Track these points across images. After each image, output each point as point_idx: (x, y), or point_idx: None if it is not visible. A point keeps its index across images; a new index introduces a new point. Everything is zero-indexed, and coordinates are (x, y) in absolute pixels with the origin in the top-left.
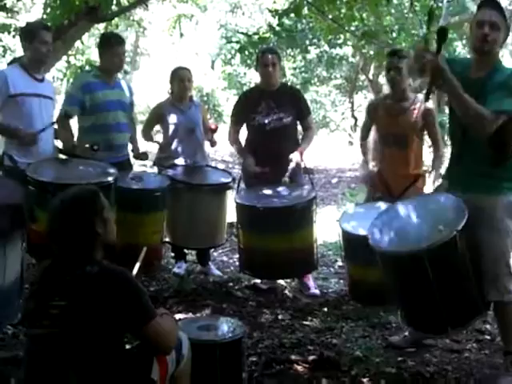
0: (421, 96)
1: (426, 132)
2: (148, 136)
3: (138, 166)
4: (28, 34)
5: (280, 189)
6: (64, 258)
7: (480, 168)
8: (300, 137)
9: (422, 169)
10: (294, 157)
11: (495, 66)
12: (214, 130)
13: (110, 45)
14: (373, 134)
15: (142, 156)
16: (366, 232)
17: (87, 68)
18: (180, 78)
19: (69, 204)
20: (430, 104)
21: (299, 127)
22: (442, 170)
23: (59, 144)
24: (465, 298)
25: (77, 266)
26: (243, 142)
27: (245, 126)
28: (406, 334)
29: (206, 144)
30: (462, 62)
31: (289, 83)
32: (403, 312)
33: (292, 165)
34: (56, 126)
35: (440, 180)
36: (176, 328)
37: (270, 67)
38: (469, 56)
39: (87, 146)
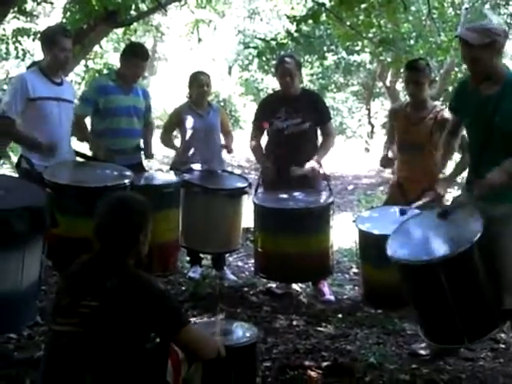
0: (439, 104)
1: None
2: (168, 142)
3: (153, 170)
4: (48, 40)
5: (297, 193)
6: (102, 256)
7: None
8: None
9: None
10: (310, 164)
11: (505, 81)
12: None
13: (135, 56)
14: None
15: (151, 156)
16: (381, 232)
17: (105, 71)
18: (199, 83)
19: (128, 203)
20: (447, 113)
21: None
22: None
23: (77, 147)
24: (481, 309)
25: (113, 268)
26: (263, 148)
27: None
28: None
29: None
30: (470, 83)
31: None
32: (420, 323)
33: (307, 167)
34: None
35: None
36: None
37: (288, 77)
38: None
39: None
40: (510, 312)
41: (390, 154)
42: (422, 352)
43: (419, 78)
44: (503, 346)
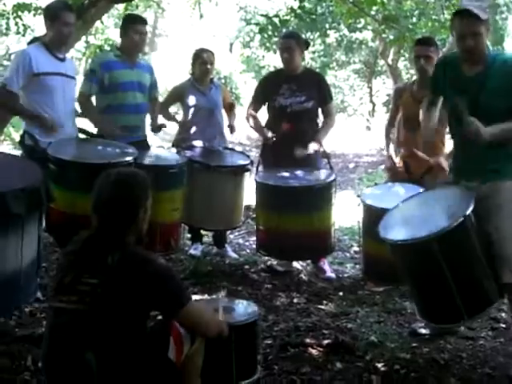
0: None
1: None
2: (166, 113)
3: (155, 148)
4: (51, 14)
5: (298, 172)
6: (102, 233)
7: (483, 155)
8: (320, 122)
9: (444, 154)
10: (312, 146)
11: (489, 60)
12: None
13: (132, 22)
14: (398, 119)
15: (160, 127)
16: (386, 207)
17: (106, 48)
18: (202, 61)
19: (127, 177)
20: None
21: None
22: None
23: (80, 124)
24: (479, 284)
25: (113, 244)
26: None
27: (265, 108)
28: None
29: (225, 127)
30: (453, 61)
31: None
32: (418, 305)
33: (309, 149)
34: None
35: None
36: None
37: (287, 53)
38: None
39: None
40: (507, 286)
41: (395, 158)
42: (423, 331)
43: (430, 52)
44: (503, 325)
